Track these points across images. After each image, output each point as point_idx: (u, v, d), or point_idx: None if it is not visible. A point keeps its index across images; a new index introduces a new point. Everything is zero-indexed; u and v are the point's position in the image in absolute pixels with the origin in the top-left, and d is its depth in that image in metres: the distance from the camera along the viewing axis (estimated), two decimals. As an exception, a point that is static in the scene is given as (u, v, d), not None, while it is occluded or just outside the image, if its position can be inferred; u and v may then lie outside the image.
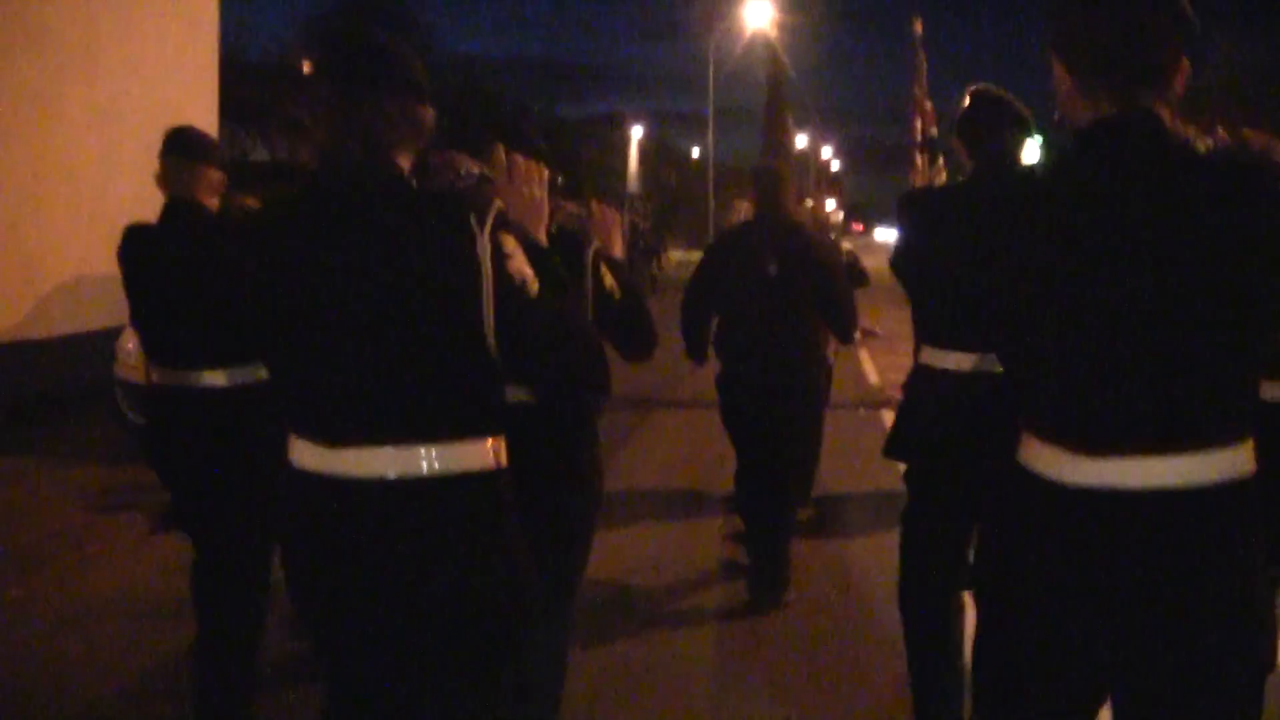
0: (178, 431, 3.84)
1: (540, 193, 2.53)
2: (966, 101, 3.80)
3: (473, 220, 2.20)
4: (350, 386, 2.24)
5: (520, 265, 2.25)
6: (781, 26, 33.19)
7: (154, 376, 3.90)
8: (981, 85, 3.83)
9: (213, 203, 3.92)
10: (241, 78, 23.12)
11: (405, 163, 2.35)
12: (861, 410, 9.99)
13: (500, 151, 2.53)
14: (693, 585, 5.91)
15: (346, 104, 2.27)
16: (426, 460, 2.23)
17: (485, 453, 2.29)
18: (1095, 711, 2.22)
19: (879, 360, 14.01)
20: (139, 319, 3.96)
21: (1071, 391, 2.12)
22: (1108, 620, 2.08)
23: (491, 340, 2.21)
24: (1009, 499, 2.24)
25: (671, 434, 9.97)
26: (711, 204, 50.81)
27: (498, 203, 2.27)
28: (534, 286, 2.24)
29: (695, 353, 5.84)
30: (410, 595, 2.24)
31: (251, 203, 3.89)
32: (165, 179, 3.88)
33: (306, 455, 2.30)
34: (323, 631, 2.39)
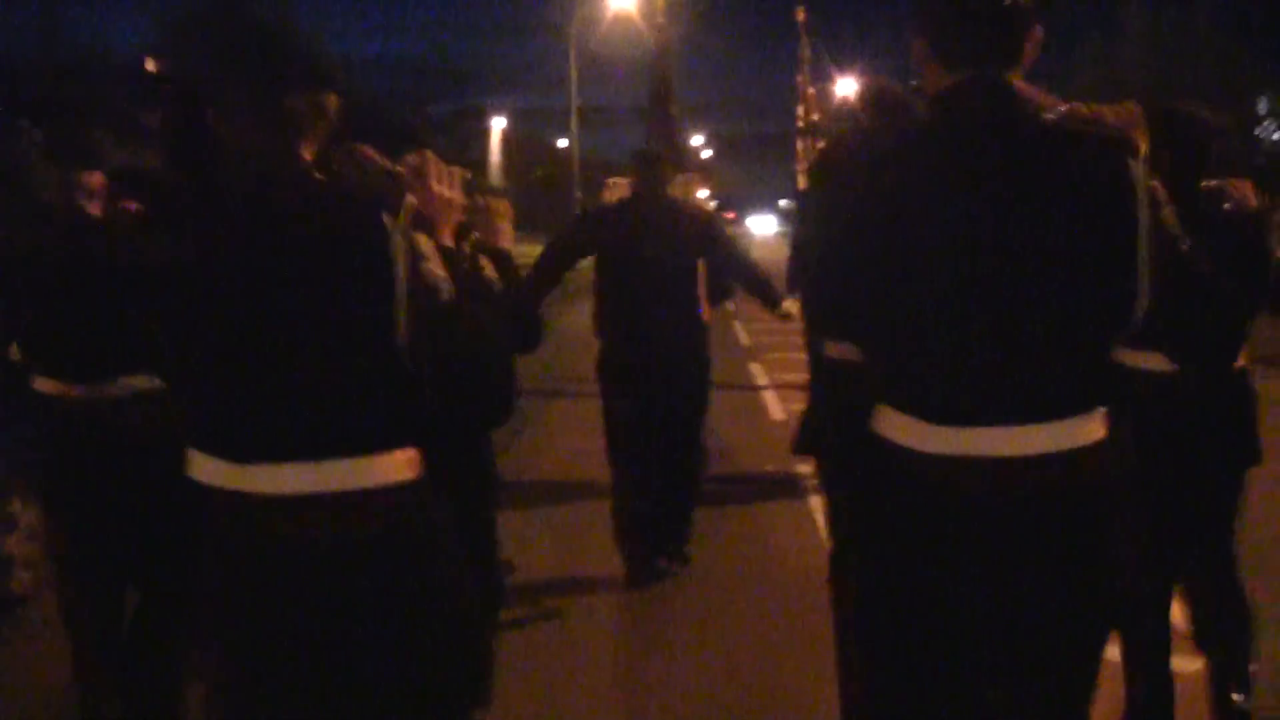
0: (80, 446, 3.82)
1: (453, 193, 2.48)
2: (855, 96, 4.08)
3: (385, 218, 2.13)
4: (256, 398, 2.15)
5: (435, 268, 2.20)
6: (646, 13, 33.52)
7: (45, 389, 3.84)
8: (870, 79, 4.11)
9: (94, 206, 3.83)
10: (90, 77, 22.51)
11: (309, 154, 2.27)
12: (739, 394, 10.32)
13: (426, 155, 2.49)
14: (594, 571, 6.07)
15: (252, 99, 2.21)
16: (340, 475, 2.15)
17: (403, 464, 2.22)
18: (980, 677, 2.31)
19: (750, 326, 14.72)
20: (24, 331, 3.93)
21: (925, 361, 2.21)
22: (969, 584, 2.20)
23: (404, 346, 2.14)
24: (867, 470, 2.34)
25: (560, 425, 10.17)
26: (577, 197, 50.91)
27: (411, 199, 2.21)
28: (448, 291, 2.19)
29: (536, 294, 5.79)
30: (335, 619, 2.15)
31: (136, 207, 3.94)
32: (42, 186, 3.82)
33: (211, 472, 2.21)
34: (229, 668, 2.27)
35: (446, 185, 2.47)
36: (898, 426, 2.25)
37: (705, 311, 6.03)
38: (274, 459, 2.14)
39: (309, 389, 2.13)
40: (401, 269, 2.11)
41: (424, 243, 2.19)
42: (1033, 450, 2.15)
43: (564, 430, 9.76)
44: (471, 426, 3.26)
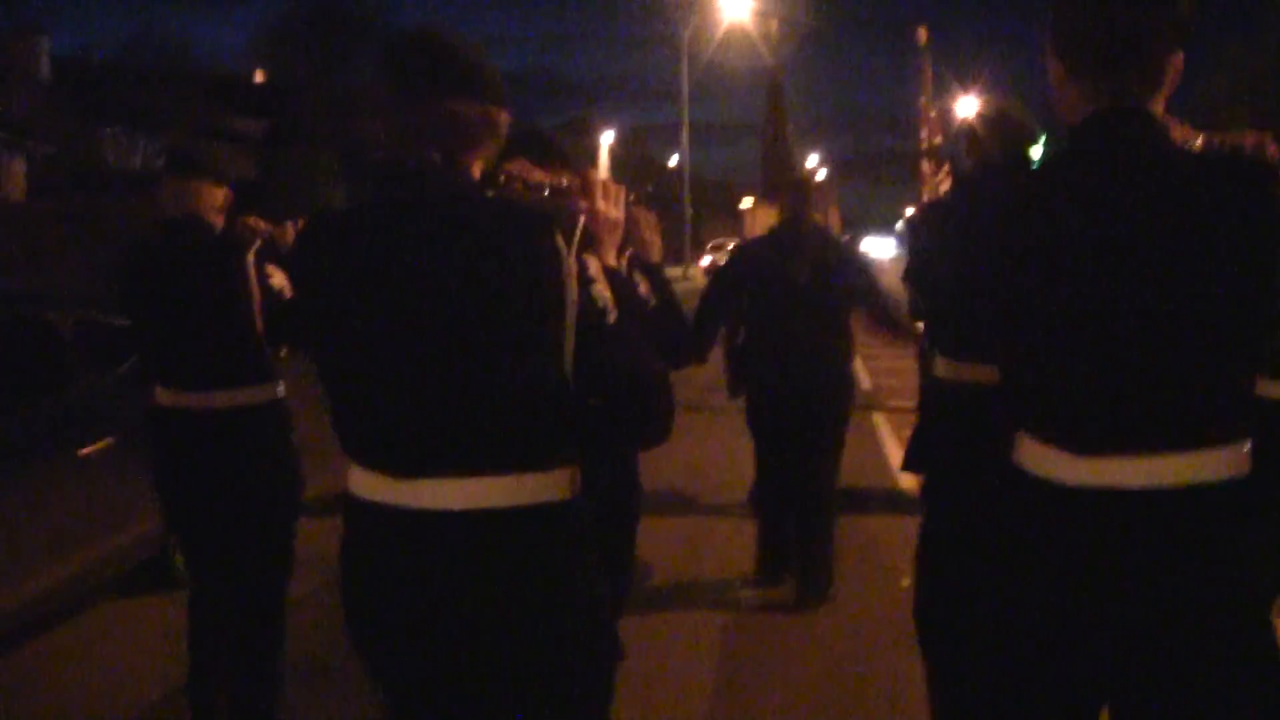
0: (191, 456, 4.02)
1: (619, 213, 2.48)
2: (974, 118, 4.15)
3: (559, 238, 2.16)
4: (422, 414, 2.20)
5: (604, 290, 2.23)
6: (762, 25, 33.73)
7: (163, 399, 4.05)
8: (988, 101, 4.17)
9: (218, 220, 4.07)
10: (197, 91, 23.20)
11: (477, 168, 2.32)
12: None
13: (590, 173, 2.52)
14: (710, 586, 6.30)
15: (419, 108, 2.25)
16: (503, 492, 2.20)
17: (563, 484, 2.26)
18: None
19: (870, 365, 14.74)
20: (144, 341, 4.16)
21: (1070, 391, 2.24)
22: (1109, 620, 2.21)
23: (569, 368, 2.18)
24: (1007, 502, 2.36)
25: (687, 437, 10.41)
26: (688, 214, 51.11)
27: (583, 220, 2.26)
28: (613, 314, 2.23)
29: (701, 347, 6.15)
30: (486, 634, 2.22)
31: (256, 221, 4.11)
32: (167, 198, 4.05)
33: (371, 486, 2.27)
34: (388, 675, 2.35)
35: (614, 206, 2.47)
36: (1039, 457, 2.28)
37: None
38: (438, 474, 2.20)
39: (474, 405, 2.17)
40: (573, 290, 2.16)
41: (593, 265, 2.23)
42: (1181, 481, 2.16)
43: (687, 441, 10.02)
44: (632, 445, 3.32)
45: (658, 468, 8.69)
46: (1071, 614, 2.25)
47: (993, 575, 2.40)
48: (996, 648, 2.37)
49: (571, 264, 2.16)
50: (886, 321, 6.15)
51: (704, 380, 9.20)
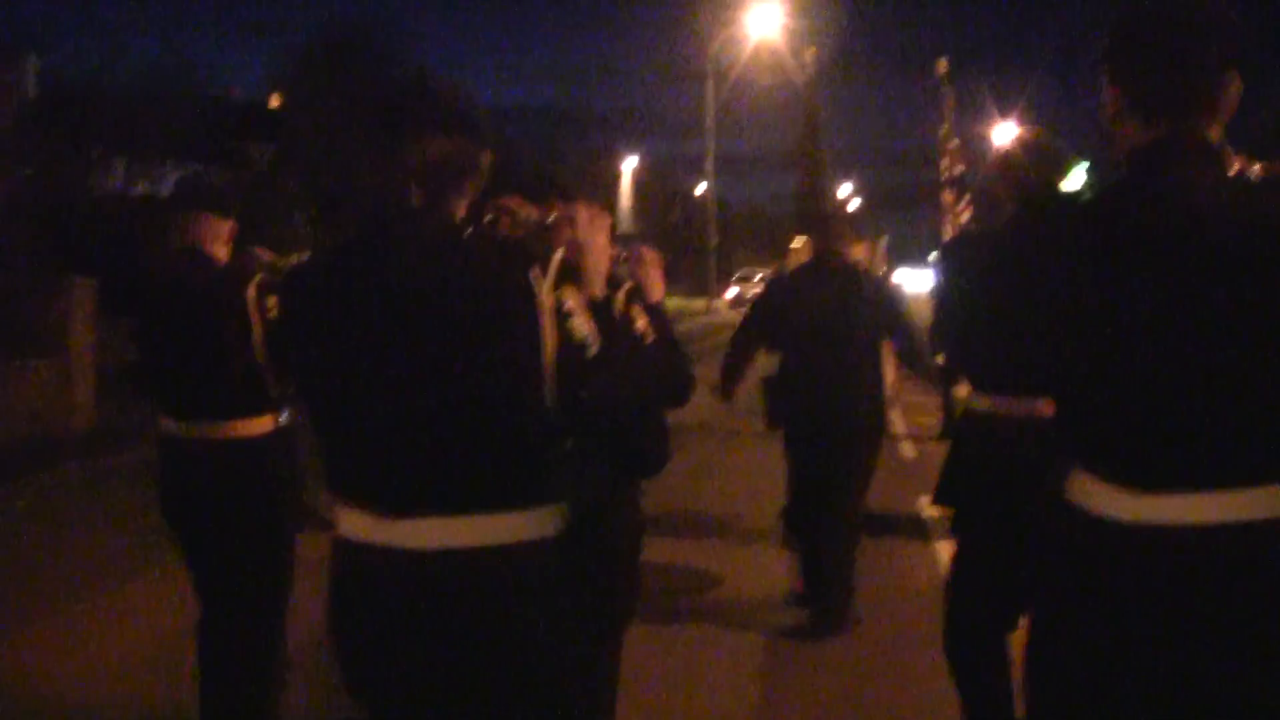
0: (194, 486, 4.16)
1: (604, 242, 2.54)
2: (1011, 148, 4.21)
3: (534, 274, 2.23)
4: (404, 453, 2.27)
5: (582, 324, 2.27)
6: (793, 45, 33.96)
7: (166, 429, 4.19)
8: (1026, 130, 4.22)
9: (222, 252, 4.23)
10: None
11: (460, 208, 2.40)
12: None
13: (577, 205, 2.57)
14: (745, 606, 6.51)
15: (402, 148, 2.34)
16: (486, 531, 2.27)
17: (546, 521, 2.34)
18: None
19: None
20: (150, 372, 4.28)
21: (1132, 427, 2.26)
22: (1165, 653, 2.24)
23: (551, 403, 2.24)
24: (1059, 538, 2.38)
25: (720, 463, 10.55)
26: (713, 244, 51.14)
27: (560, 253, 2.31)
28: (595, 346, 2.28)
29: (726, 387, 6.43)
30: (467, 668, 2.29)
31: (263, 252, 4.25)
32: (173, 230, 4.22)
33: (359, 525, 2.34)
34: (376, 707, 2.42)
35: (597, 235, 2.53)
36: (1096, 494, 2.30)
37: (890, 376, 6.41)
38: (423, 514, 2.27)
39: (454, 443, 2.25)
40: (548, 326, 2.22)
41: (572, 297, 2.28)
42: (1239, 517, 2.19)
43: (725, 465, 10.16)
44: (624, 475, 3.38)
45: (696, 491, 9.15)
46: (1128, 648, 2.27)
47: (1048, 609, 2.43)
48: (1060, 683, 2.38)
49: (546, 298, 2.22)
50: (913, 360, 6.26)
51: (743, 406, 9.52)
